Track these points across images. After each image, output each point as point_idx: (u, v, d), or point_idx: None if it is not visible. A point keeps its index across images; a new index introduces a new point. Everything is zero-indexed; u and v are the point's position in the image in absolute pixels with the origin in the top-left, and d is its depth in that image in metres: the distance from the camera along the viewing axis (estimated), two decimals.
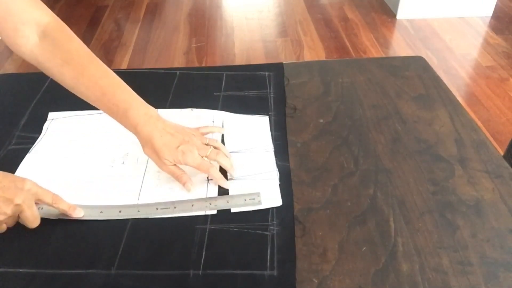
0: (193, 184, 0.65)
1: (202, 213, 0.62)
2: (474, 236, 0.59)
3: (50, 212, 0.61)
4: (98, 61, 0.65)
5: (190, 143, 0.64)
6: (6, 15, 0.61)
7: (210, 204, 0.63)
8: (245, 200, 0.63)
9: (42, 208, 0.61)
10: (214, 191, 0.65)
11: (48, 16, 0.65)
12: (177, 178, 0.65)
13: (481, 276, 0.54)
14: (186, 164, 0.64)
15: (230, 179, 0.67)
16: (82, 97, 0.65)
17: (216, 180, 0.65)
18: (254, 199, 0.63)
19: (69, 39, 0.65)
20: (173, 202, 0.63)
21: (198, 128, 0.70)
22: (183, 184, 0.65)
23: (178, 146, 0.63)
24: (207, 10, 2.86)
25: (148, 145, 0.64)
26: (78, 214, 0.61)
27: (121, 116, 0.64)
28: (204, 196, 0.64)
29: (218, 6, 2.92)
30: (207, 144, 0.67)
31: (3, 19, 0.62)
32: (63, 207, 0.60)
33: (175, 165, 0.65)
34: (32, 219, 0.57)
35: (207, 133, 0.71)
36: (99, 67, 0.65)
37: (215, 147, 0.67)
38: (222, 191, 0.65)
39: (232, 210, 0.62)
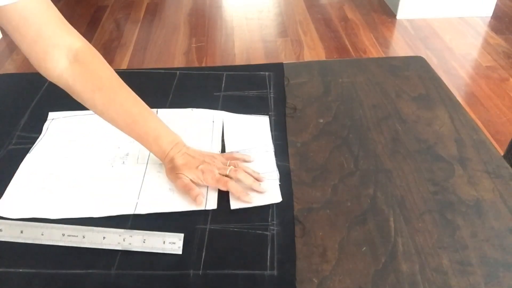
0: (203, 198, 0.63)
1: (213, 202, 0.63)
2: (474, 236, 0.59)
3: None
4: (127, 88, 0.66)
5: (210, 164, 0.65)
6: (38, 38, 0.61)
7: (124, 240, 0.57)
8: (163, 242, 0.57)
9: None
10: (213, 200, 0.64)
11: (79, 42, 0.65)
12: (189, 191, 0.63)
13: (481, 276, 0.54)
14: (205, 183, 0.64)
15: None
16: (111, 123, 0.66)
17: (237, 194, 0.63)
18: (174, 243, 0.57)
19: (101, 65, 0.66)
20: (83, 230, 0.58)
21: (224, 154, 0.70)
22: (194, 198, 0.63)
23: (198, 166, 0.64)
24: (207, 10, 2.87)
25: (170, 166, 0.65)
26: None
27: (151, 143, 0.66)
28: (203, 204, 0.63)
29: (218, 6, 2.92)
30: (228, 165, 0.66)
31: (34, 42, 0.61)
32: None
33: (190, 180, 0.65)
34: None
35: (233, 158, 0.70)
36: (129, 94, 0.66)
37: (235, 167, 0.66)
38: (221, 201, 0.64)
39: (232, 207, 0.62)
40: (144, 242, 0.57)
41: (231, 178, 0.64)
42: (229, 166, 0.66)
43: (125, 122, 0.66)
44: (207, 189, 0.65)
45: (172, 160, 0.65)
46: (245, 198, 0.63)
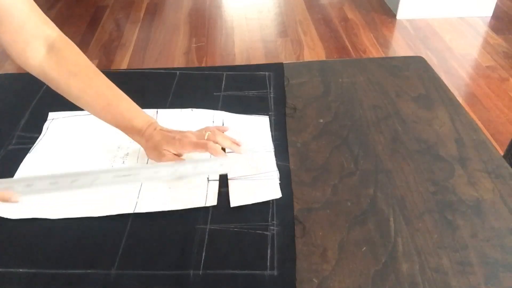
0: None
1: (213, 198, 0.63)
2: (474, 236, 0.59)
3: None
4: (102, 74, 0.68)
5: (187, 133, 0.67)
6: (21, 29, 0.63)
7: (176, 170, 0.59)
8: (210, 167, 0.61)
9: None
10: (214, 197, 0.65)
11: (55, 32, 0.67)
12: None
13: (481, 276, 0.54)
14: (184, 150, 0.65)
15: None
16: (86, 108, 0.68)
17: (217, 154, 0.65)
18: (222, 165, 0.61)
19: (76, 53, 0.68)
20: (132, 168, 0.60)
21: (200, 129, 0.70)
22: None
23: (175, 137, 0.66)
24: (207, 10, 2.87)
25: (149, 145, 0.66)
26: (16, 198, 0.54)
27: (126, 124, 0.67)
28: (203, 198, 0.64)
29: (218, 6, 2.92)
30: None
31: (16, 33, 0.63)
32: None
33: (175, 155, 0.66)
34: None
35: (206, 129, 0.71)
36: (103, 79, 0.68)
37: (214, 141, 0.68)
38: (221, 197, 0.65)
39: (232, 205, 0.62)
40: (195, 168, 0.59)
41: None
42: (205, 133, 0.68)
43: (100, 106, 0.67)
44: (207, 188, 0.66)
45: (149, 139, 0.66)
46: (222, 156, 0.65)
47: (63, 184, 0.54)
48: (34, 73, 0.67)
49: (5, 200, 0.54)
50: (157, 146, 0.65)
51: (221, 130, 0.70)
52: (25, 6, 0.63)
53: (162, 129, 0.67)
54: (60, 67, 0.66)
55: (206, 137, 0.66)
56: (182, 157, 0.67)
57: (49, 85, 0.67)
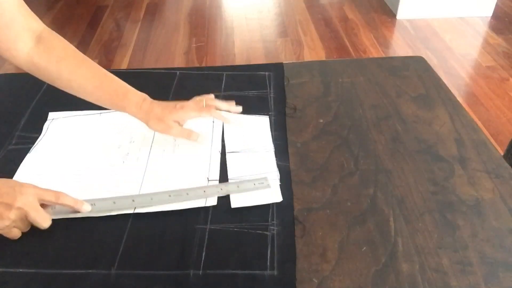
0: (203, 138, 0.72)
1: (213, 198, 0.64)
2: (474, 236, 0.59)
3: (62, 210, 0.61)
4: (89, 59, 0.70)
5: (185, 102, 0.70)
6: (12, 23, 0.64)
7: (221, 189, 0.64)
8: (254, 184, 0.65)
9: (54, 207, 0.61)
10: (213, 198, 0.64)
11: (41, 25, 0.69)
12: (188, 137, 0.71)
13: (481, 276, 0.54)
14: (188, 116, 0.70)
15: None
16: (77, 91, 0.69)
17: (218, 117, 0.72)
18: (262, 183, 0.65)
19: (62, 41, 0.69)
20: (185, 189, 0.64)
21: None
22: (196, 140, 0.71)
23: (175, 105, 0.69)
24: (207, 10, 2.86)
25: (150, 117, 0.68)
26: (86, 208, 0.61)
27: (121, 99, 0.69)
28: (203, 201, 0.64)
29: (218, 6, 2.92)
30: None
31: (7, 27, 0.64)
32: (68, 202, 0.60)
33: (181, 126, 0.70)
34: (41, 220, 0.58)
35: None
36: (92, 62, 0.69)
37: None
38: (222, 197, 0.65)
39: (233, 205, 0.63)
40: (238, 187, 0.65)
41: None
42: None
43: (93, 85, 0.68)
44: (207, 185, 0.65)
45: (150, 111, 0.68)
46: (226, 121, 0.73)
47: (124, 203, 0.62)
48: (23, 66, 0.67)
49: (77, 208, 0.61)
50: (162, 117, 0.68)
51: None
52: (14, 1, 0.63)
53: (157, 102, 0.70)
54: (49, 54, 0.67)
55: (204, 103, 0.70)
56: (185, 127, 0.71)
57: (40, 76, 0.68)
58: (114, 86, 0.69)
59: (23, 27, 0.65)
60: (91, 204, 0.61)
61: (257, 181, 0.65)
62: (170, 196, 0.63)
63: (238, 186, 0.64)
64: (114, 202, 0.62)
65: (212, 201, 0.64)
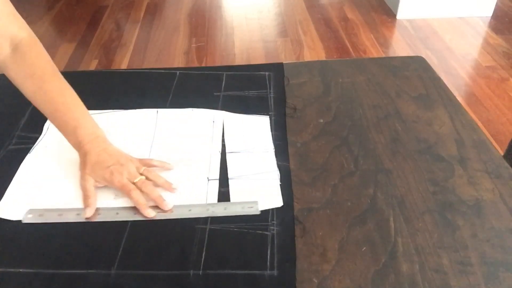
0: (92, 214, 0.62)
1: (198, 216, 0.62)
2: (474, 236, 0.59)
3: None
4: (59, 78, 0.68)
5: (123, 166, 0.64)
6: None
7: (207, 210, 0.62)
8: (242, 208, 0.62)
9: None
10: (214, 195, 0.65)
11: (24, 31, 0.68)
12: (85, 198, 0.63)
13: (481, 276, 0.54)
14: (110, 184, 0.64)
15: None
16: (40, 111, 0.68)
17: (137, 205, 0.62)
18: (252, 207, 0.62)
19: (37, 55, 0.68)
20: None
21: (142, 160, 0.68)
22: (85, 207, 0.62)
23: (110, 166, 0.63)
24: (207, 10, 2.86)
25: (83, 161, 0.65)
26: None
27: (70, 133, 0.66)
28: (204, 197, 0.64)
29: (218, 6, 2.92)
30: (141, 174, 0.65)
31: None
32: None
33: (94, 184, 0.64)
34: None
35: (150, 165, 0.68)
36: (59, 84, 0.67)
37: (148, 178, 0.65)
38: (222, 199, 0.65)
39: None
40: (225, 209, 0.62)
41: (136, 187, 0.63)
42: (142, 174, 0.65)
43: (48, 111, 0.67)
44: (207, 187, 0.66)
45: (86, 155, 0.64)
46: (144, 212, 0.61)
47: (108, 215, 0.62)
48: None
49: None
50: (86, 166, 0.64)
51: (165, 167, 0.68)
52: None
53: (105, 149, 0.65)
54: (18, 68, 0.66)
55: (137, 180, 0.63)
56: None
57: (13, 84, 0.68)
58: (66, 118, 0.66)
59: (1, 34, 0.65)
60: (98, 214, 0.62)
61: (246, 204, 0.63)
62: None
63: (225, 208, 0.62)
64: (117, 213, 0.62)
65: (212, 201, 0.64)
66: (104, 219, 0.61)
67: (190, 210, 0.62)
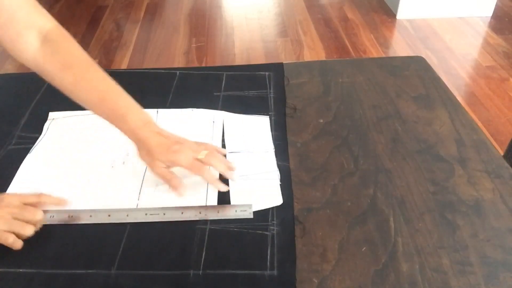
0: (185, 189, 0.64)
1: (190, 219, 0.62)
2: (474, 236, 0.59)
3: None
4: (97, 66, 0.65)
5: (184, 144, 0.64)
6: (11, 21, 0.62)
7: (200, 213, 0.62)
8: (235, 211, 0.62)
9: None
10: (214, 197, 0.65)
11: (50, 22, 0.65)
12: (168, 182, 0.64)
13: (481, 276, 0.54)
14: (178, 165, 0.63)
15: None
16: (80, 102, 0.65)
17: (210, 182, 0.64)
18: (245, 210, 0.62)
19: (70, 45, 0.66)
20: (162, 208, 0.63)
21: (195, 142, 0.68)
22: (174, 189, 0.63)
23: (172, 146, 0.63)
24: (207, 10, 2.86)
25: (143, 147, 0.64)
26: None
27: (119, 121, 0.64)
28: (203, 200, 0.64)
29: (218, 6, 2.92)
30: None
31: (7, 25, 0.62)
32: (52, 201, 0.62)
33: (168, 168, 0.64)
34: (30, 215, 0.59)
35: (203, 144, 0.68)
36: (98, 72, 0.65)
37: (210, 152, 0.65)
38: (222, 198, 0.65)
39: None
40: (218, 212, 0.62)
41: (203, 163, 0.64)
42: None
43: (93, 101, 0.64)
44: (207, 187, 0.66)
45: (144, 142, 0.63)
46: (219, 187, 0.63)
47: (100, 217, 0.62)
48: (29, 65, 0.65)
49: (59, 203, 0.63)
50: (151, 152, 0.63)
51: (220, 152, 0.68)
52: None
53: (159, 132, 0.64)
54: (53, 60, 0.64)
55: (203, 155, 0.63)
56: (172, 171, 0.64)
57: (45, 78, 0.65)
58: (114, 105, 0.64)
59: (25, 25, 0.63)
60: (89, 216, 0.62)
61: (239, 207, 0.62)
62: (146, 214, 0.62)
63: (218, 212, 0.62)
64: (109, 215, 0.62)
65: (212, 201, 0.64)
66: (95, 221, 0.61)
67: (182, 213, 0.62)
